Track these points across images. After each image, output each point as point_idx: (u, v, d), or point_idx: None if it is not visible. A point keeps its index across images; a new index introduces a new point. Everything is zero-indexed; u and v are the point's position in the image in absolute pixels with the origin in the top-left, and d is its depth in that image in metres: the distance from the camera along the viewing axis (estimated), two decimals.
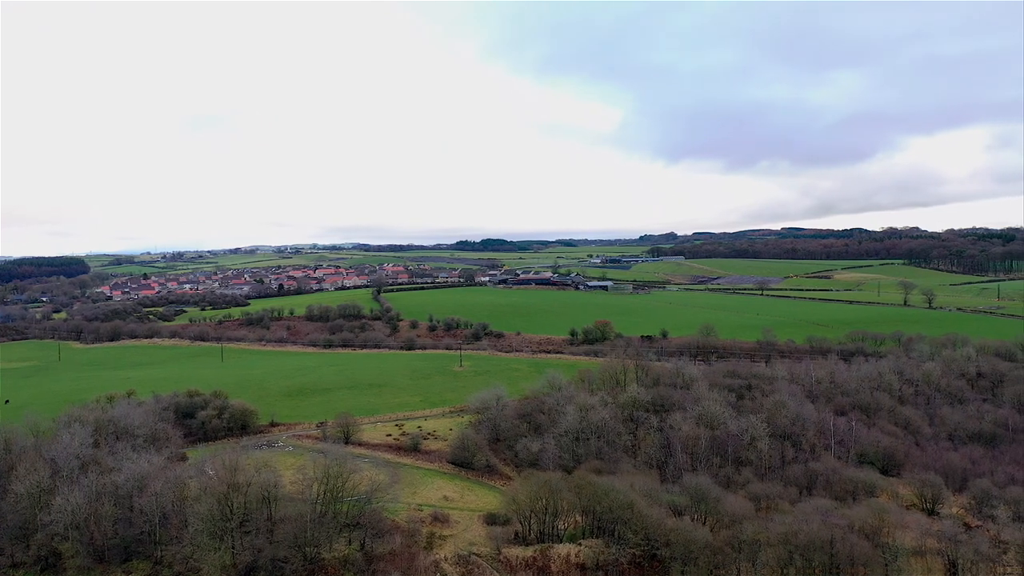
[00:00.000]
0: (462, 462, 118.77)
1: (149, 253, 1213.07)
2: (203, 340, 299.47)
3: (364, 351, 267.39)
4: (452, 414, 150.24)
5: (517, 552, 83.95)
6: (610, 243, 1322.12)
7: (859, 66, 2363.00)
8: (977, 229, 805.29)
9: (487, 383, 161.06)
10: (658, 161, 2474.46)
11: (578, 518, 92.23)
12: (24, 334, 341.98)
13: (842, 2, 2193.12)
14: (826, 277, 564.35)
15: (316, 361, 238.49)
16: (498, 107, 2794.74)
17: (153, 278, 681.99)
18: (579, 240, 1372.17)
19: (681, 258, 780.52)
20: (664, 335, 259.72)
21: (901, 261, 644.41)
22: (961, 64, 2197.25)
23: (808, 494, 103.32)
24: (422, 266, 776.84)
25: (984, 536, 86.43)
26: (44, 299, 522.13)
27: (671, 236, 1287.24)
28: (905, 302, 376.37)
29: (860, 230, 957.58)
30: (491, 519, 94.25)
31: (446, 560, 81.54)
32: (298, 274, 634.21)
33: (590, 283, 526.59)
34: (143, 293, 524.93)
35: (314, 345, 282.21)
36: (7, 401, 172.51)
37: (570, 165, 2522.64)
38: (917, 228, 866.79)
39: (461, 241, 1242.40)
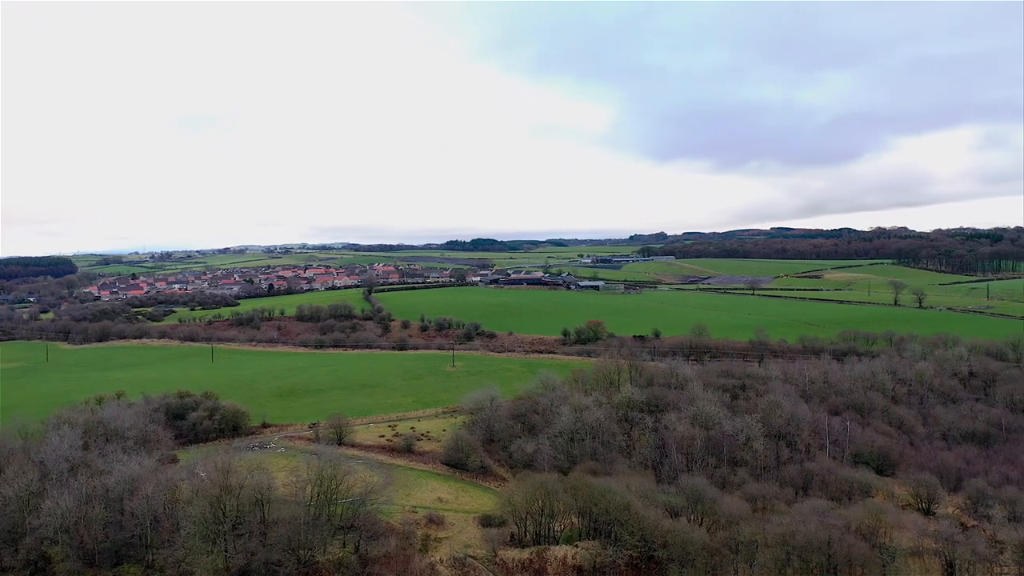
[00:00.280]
0: (456, 463, 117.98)
1: (137, 253, 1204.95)
2: (193, 340, 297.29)
3: (356, 351, 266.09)
4: (445, 415, 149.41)
5: (513, 554, 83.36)
6: (600, 243, 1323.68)
7: (851, 66, 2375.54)
8: (965, 229, 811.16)
9: (480, 383, 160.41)
10: (648, 161, 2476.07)
11: (574, 520, 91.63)
12: (11, 335, 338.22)
13: (835, 2, 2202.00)
14: (816, 277, 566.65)
15: (307, 361, 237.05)
16: (489, 107, 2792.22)
17: (141, 278, 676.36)
18: (569, 240, 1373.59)
19: (671, 258, 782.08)
20: (657, 335, 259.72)
21: (890, 261, 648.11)
22: (951, 65, 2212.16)
23: (804, 494, 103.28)
24: (412, 266, 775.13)
25: (981, 536, 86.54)
26: (31, 299, 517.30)
27: (661, 236, 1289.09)
28: (896, 302, 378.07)
29: (849, 230, 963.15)
30: (486, 521, 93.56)
31: (442, 563, 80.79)
32: (288, 274, 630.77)
33: (581, 283, 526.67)
34: (131, 293, 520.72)
35: (305, 345, 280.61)
36: None
37: (560, 165, 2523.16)
38: (905, 228, 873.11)
39: (451, 241, 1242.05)
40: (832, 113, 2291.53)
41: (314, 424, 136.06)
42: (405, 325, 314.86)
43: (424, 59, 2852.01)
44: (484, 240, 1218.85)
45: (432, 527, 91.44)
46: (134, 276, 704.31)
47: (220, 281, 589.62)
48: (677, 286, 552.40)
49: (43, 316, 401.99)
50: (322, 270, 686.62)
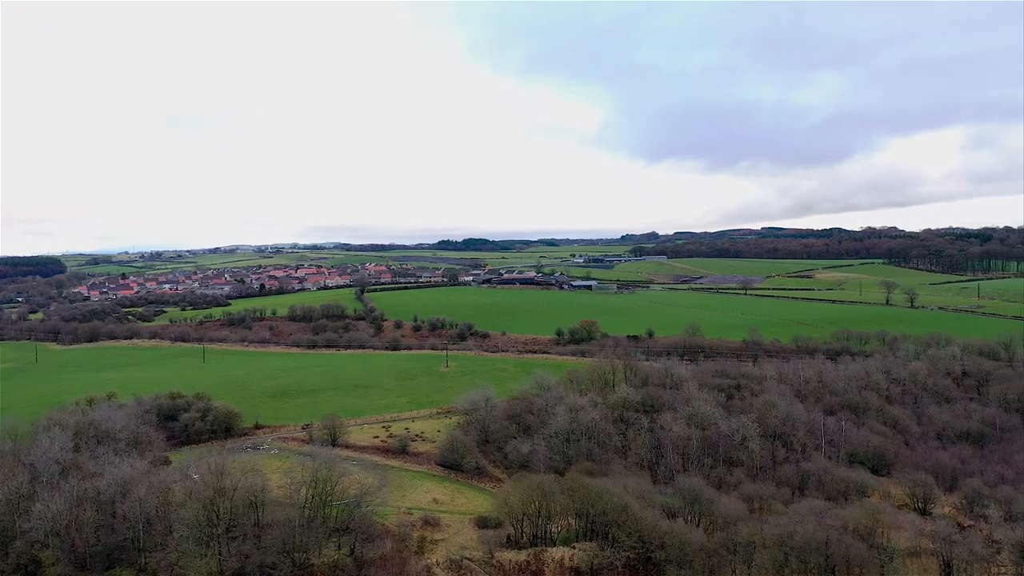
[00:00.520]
0: (451, 464, 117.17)
1: (127, 253, 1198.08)
2: (184, 341, 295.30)
3: (349, 351, 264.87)
4: (439, 415, 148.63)
5: (510, 556, 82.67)
6: (592, 243, 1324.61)
7: (843, 67, 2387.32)
8: (954, 229, 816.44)
9: (474, 384, 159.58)
10: (640, 161, 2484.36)
11: (571, 521, 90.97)
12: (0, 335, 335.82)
13: (828, 3, 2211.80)
14: (808, 276, 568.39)
15: (300, 362, 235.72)
16: (481, 107, 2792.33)
17: (132, 278, 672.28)
18: (561, 240, 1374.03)
19: (663, 258, 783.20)
20: (651, 334, 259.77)
21: (881, 260, 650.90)
22: (940, 66, 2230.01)
23: (800, 494, 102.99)
24: (405, 266, 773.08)
25: (978, 536, 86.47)
26: (20, 299, 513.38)
27: (653, 236, 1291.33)
28: (888, 301, 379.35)
29: (839, 230, 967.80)
30: (483, 522, 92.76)
31: (438, 565, 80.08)
32: (279, 274, 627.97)
33: (574, 283, 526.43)
34: (121, 293, 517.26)
35: (297, 345, 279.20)
36: None
37: (552, 165, 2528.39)
38: (895, 228, 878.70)
39: (443, 240, 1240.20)
40: (823, 113, 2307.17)
41: (308, 425, 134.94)
42: (398, 325, 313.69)
43: (415, 60, 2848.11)
44: (476, 240, 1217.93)
45: (428, 529, 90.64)
46: (124, 276, 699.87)
47: (211, 281, 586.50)
48: (670, 286, 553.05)
49: (32, 316, 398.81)
50: (313, 270, 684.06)
